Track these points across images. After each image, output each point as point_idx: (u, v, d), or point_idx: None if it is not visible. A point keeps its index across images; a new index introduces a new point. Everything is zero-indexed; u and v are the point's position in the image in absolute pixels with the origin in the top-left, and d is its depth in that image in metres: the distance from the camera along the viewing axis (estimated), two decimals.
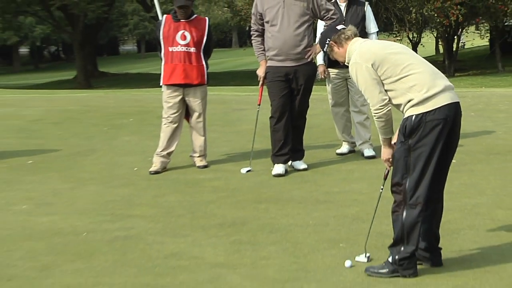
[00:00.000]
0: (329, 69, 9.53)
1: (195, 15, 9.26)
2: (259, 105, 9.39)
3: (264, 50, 8.88)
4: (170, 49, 9.10)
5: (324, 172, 9.02)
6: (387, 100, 5.52)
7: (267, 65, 8.84)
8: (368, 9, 9.58)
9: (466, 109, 13.05)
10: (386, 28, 29.90)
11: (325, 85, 9.86)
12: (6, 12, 41.38)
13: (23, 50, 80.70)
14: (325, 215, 7.24)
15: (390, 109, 5.54)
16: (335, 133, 10.06)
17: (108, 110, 13.88)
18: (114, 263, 6.12)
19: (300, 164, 9.08)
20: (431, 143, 5.37)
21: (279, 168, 8.82)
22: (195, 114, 9.29)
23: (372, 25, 9.57)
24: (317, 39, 8.68)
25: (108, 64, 59.36)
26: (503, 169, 8.76)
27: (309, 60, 8.81)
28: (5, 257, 6.31)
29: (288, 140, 8.81)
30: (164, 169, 9.24)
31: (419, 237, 5.50)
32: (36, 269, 6.02)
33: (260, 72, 8.95)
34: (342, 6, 9.49)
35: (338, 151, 9.93)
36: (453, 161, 5.72)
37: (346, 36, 5.79)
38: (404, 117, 5.50)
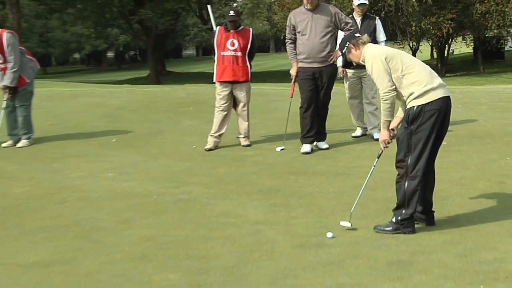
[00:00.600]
0: (346, 69, 9.45)
1: (242, 27, 9.23)
2: (291, 97, 9.31)
3: (296, 54, 8.80)
4: (222, 53, 9.09)
5: (342, 150, 8.94)
6: (394, 87, 5.54)
7: (298, 66, 8.78)
8: (378, 22, 9.50)
9: (455, 102, 12.85)
10: (391, 38, 29.53)
11: (343, 82, 9.81)
12: (98, 25, 41.73)
13: (110, 54, 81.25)
14: (343, 185, 7.21)
15: (395, 94, 5.56)
16: (351, 120, 9.97)
17: (173, 101, 13.87)
18: (178, 219, 6.17)
19: (323, 144, 9.02)
20: (428, 128, 5.44)
21: (306, 147, 8.77)
22: (241, 104, 9.28)
23: (381, 35, 9.49)
24: (338, 46, 8.68)
25: (173, 65, 59.34)
26: (483, 150, 8.64)
27: (331, 62, 8.73)
28: (96, 213, 6.41)
29: (314, 125, 8.75)
30: (216, 147, 9.23)
31: (417, 202, 5.53)
32: (118, 222, 6.11)
33: (293, 71, 8.88)
34: (358, 19, 9.37)
35: (353, 134, 9.84)
36: (443, 143, 5.72)
37: (363, 41, 5.85)
38: (407, 107, 5.54)
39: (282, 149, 9.00)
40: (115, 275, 4.83)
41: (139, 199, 6.87)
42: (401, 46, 28.97)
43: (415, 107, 5.47)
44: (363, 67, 9.10)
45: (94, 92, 15.98)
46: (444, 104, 5.51)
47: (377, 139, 9.14)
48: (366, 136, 9.73)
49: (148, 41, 40.11)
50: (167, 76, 41.54)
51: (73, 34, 54.78)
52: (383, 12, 24.27)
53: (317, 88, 8.78)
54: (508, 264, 4.83)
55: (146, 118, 11.82)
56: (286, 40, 9.01)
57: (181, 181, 7.56)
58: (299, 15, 8.72)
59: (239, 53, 9.07)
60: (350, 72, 9.51)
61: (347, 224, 5.79)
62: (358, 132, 9.86)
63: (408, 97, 5.52)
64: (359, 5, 9.26)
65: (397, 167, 5.66)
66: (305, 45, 8.65)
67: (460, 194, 6.70)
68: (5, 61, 9.38)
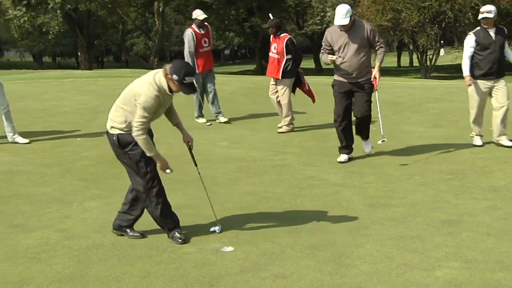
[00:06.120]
0: (475, 79, 7.39)
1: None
2: (376, 89, 6.85)
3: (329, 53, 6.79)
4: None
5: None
6: None
7: (335, 79, 6.88)
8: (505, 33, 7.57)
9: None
10: (449, 44, 28.41)
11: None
12: (219, 29, 42.46)
13: (226, 51, 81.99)
14: (406, 158, 6.94)
15: None
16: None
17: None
18: (274, 179, 6.19)
19: (367, 148, 7.19)
20: None
21: (342, 157, 6.94)
22: None
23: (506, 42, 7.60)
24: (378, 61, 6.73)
25: None
26: None
27: (369, 79, 6.77)
28: (213, 171, 6.47)
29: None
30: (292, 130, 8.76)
31: None
32: (230, 180, 6.19)
33: (330, 58, 6.71)
34: (492, 31, 7.44)
35: (476, 143, 7.56)
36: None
37: None
38: None
39: (383, 141, 6.89)
40: (227, 219, 4.91)
41: (246, 162, 6.93)
42: (457, 50, 27.73)
43: None
44: (493, 76, 7.30)
45: None
46: None
47: (509, 146, 7.39)
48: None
49: (256, 42, 40.35)
50: None
51: None
52: (444, 23, 23.26)
53: (351, 101, 6.86)
54: None
55: (252, 101, 11.86)
56: (321, 51, 6.92)
57: (278, 151, 7.55)
58: (335, 34, 6.71)
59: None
60: (481, 81, 7.40)
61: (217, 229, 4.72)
62: (479, 141, 7.62)
63: None
64: (483, 18, 7.49)
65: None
66: (343, 64, 6.70)
67: (502, 170, 6.39)
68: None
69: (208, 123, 9.35)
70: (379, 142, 6.86)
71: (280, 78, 8.72)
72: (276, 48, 8.70)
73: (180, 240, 4.39)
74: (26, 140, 7.92)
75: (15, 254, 4.19)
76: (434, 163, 6.69)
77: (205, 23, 9.35)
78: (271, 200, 5.44)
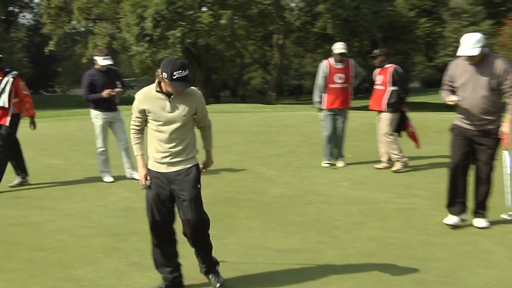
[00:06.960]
0: None
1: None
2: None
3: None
4: None
5: None
6: None
7: (454, 123, 5.77)
8: None
9: None
10: None
11: None
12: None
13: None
14: None
15: None
16: None
17: None
18: (401, 224, 5.80)
19: (480, 222, 5.74)
20: None
21: (452, 219, 5.73)
22: None
23: None
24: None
25: None
26: None
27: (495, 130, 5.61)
28: (334, 213, 6.24)
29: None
30: (406, 165, 8.46)
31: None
32: (352, 223, 5.91)
33: (451, 97, 5.47)
34: None
35: None
36: None
37: None
38: None
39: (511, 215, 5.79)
40: (348, 266, 4.64)
41: (369, 205, 6.60)
42: None
43: None
44: None
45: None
46: None
47: None
48: None
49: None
50: None
51: None
52: None
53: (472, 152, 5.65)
54: None
55: (375, 138, 11.42)
56: (442, 88, 5.79)
57: (403, 193, 7.14)
58: (459, 68, 5.53)
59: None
60: None
61: None
62: None
63: None
64: None
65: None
66: (464, 106, 5.54)
67: None
68: None
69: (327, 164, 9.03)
70: (505, 216, 5.75)
71: (383, 108, 8.39)
72: (382, 79, 8.42)
73: None
74: None
75: None
76: None
77: (348, 59, 8.75)
78: (397, 247, 5.08)
